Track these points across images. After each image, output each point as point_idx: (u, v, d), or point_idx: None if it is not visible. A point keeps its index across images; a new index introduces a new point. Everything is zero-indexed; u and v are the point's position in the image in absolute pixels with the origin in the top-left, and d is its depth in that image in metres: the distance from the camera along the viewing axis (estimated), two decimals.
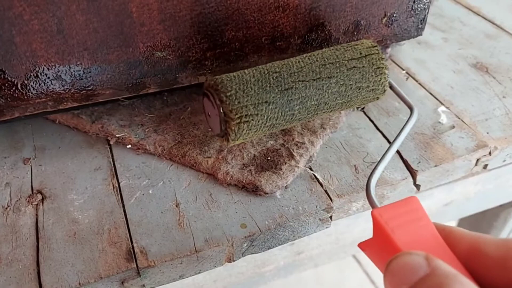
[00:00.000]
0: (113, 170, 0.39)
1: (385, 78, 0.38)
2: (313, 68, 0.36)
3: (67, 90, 0.36)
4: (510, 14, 0.60)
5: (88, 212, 0.36)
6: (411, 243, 0.25)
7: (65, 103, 0.37)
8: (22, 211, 0.36)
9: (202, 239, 0.34)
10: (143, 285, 0.34)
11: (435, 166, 0.39)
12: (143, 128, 0.42)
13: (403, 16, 0.43)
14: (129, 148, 0.41)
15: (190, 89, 0.45)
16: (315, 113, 0.37)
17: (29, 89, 0.35)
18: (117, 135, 0.41)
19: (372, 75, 0.38)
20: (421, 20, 0.44)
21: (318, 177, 0.38)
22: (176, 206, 0.37)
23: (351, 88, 0.37)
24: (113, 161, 0.40)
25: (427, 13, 0.44)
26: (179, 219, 0.36)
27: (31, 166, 0.40)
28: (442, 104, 0.46)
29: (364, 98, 0.39)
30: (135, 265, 0.32)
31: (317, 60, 0.36)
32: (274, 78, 0.35)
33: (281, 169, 0.38)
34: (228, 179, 0.38)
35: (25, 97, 0.35)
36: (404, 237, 0.25)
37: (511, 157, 0.43)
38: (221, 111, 0.34)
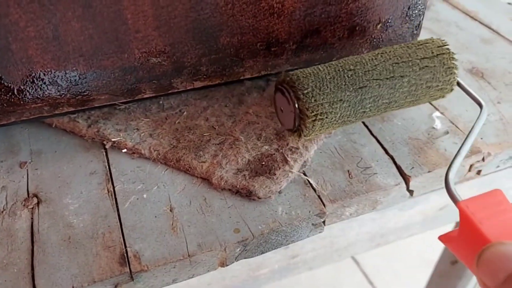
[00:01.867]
0: (109, 175, 0.40)
1: (454, 77, 0.39)
2: (387, 67, 0.37)
3: (63, 95, 0.37)
4: (507, 18, 0.60)
5: (83, 217, 0.36)
6: (500, 234, 0.25)
7: (61, 108, 0.37)
8: (18, 214, 0.37)
9: (195, 244, 0.34)
10: None
11: (428, 171, 0.40)
12: (139, 132, 0.42)
13: (397, 22, 0.43)
14: (125, 152, 0.41)
15: (186, 94, 0.46)
16: (385, 110, 0.39)
17: (25, 94, 0.36)
18: (113, 139, 0.41)
19: (442, 74, 0.38)
20: (416, 26, 0.44)
21: (311, 182, 0.39)
22: (170, 210, 0.37)
23: (421, 87, 0.38)
24: (109, 166, 0.41)
25: (422, 19, 0.44)
26: (172, 224, 0.36)
27: (27, 170, 0.41)
28: (436, 109, 0.46)
29: (431, 96, 0.40)
30: (128, 270, 0.33)
31: (390, 58, 0.37)
32: (349, 76, 0.36)
33: (275, 174, 0.38)
34: (223, 183, 0.38)
35: (21, 102, 0.36)
36: (493, 228, 0.25)
37: (505, 163, 0.44)
38: (297, 108, 0.35)
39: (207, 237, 0.35)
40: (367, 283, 1.33)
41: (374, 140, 0.43)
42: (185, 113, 0.44)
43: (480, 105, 0.40)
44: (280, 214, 0.37)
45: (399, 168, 0.40)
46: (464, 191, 0.50)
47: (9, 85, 0.35)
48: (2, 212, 0.37)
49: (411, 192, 0.40)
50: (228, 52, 0.40)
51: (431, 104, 0.47)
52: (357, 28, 0.42)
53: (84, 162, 0.41)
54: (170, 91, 0.40)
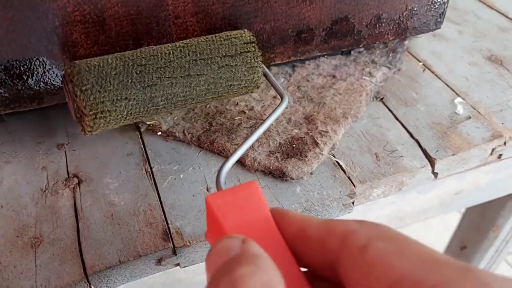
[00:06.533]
0: (145, 156, 0.41)
1: (258, 76, 0.37)
2: (182, 64, 0.34)
3: None
4: None
5: (123, 195, 0.38)
6: (239, 228, 0.25)
7: None
8: (60, 193, 0.38)
9: None
10: (178, 264, 0.36)
11: (453, 154, 0.41)
12: (172, 116, 0.43)
13: (423, 9, 0.45)
14: (159, 135, 0.43)
15: None
16: (182, 106, 0.37)
17: None
18: (148, 122, 0.43)
19: (244, 74, 0.37)
20: (440, 14, 0.46)
21: (341, 164, 0.40)
22: (207, 190, 0.38)
23: (221, 85, 0.36)
24: (144, 147, 0.42)
25: (446, 7, 0.45)
26: None
27: (65, 151, 0.42)
28: (458, 95, 0.47)
29: (235, 92, 0.38)
30: (171, 245, 0.34)
31: (188, 54, 0.35)
32: (138, 72, 0.33)
33: (306, 156, 0.40)
34: (256, 165, 0.40)
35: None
36: (234, 222, 0.25)
37: None
38: (76, 104, 0.32)
39: None
40: None
41: (399, 124, 0.44)
42: None
43: (282, 97, 0.37)
44: (312, 194, 0.38)
45: (424, 151, 0.42)
46: (480, 176, 0.51)
47: (54, 68, 0.36)
48: (45, 191, 0.38)
49: (435, 174, 0.42)
50: (261, 38, 0.41)
51: (452, 90, 0.48)
52: (384, 16, 0.44)
53: (120, 144, 0.42)
54: None
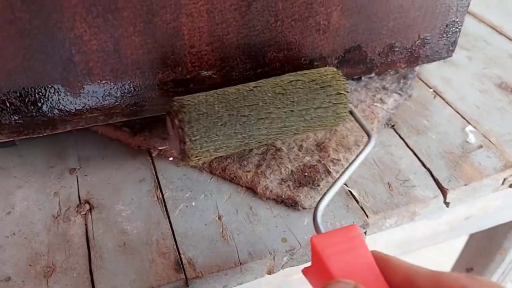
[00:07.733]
0: (157, 182, 0.41)
1: (342, 123, 0.40)
2: (279, 115, 0.36)
3: (118, 106, 0.38)
4: None
5: (136, 223, 0.38)
6: (345, 271, 0.25)
7: (115, 118, 0.39)
8: (72, 220, 0.38)
9: (245, 252, 0.36)
10: None
11: (465, 184, 0.41)
12: None
13: (435, 38, 0.45)
14: (170, 160, 0.43)
15: None
16: (270, 143, 0.40)
17: (84, 104, 0.37)
18: (159, 148, 0.43)
19: (332, 122, 0.39)
20: (452, 43, 0.46)
21: (354, 193, 0.40)
22: (219, 218, 0.38)
23: (309, 129, 0.39)
24: (156, 173, 0.42)
25: (458, 36, 0.46)
26: (222, 232, 0.37)
27: (76, 176, 0.42)
28: (469, 123, 0.47)
29: (315, 132, 0.41)
30: (184, 276, 0.34)
31: (287, 105, 0.37)
32: (241, 123, 0.35)
33: (319, 185, 0.40)
34: (268, 193, 0.39)
35: (79, 112, 0.37)
36: (339, 265, 0.26)
37: None
38: (183, 149, 0.35)
39: (256, 245, 0.36)
40: None
41: (410, 153, 0.44)
42: None
43: (369, 136, 0.38)
44: (325, 225, 0.38)
45: (436, 181, 0.41)
46: (490, 201, 0.51)
47: (69, 96, 0.36)
48: (57, 217, 0.38)
49: (447, 204, 0.42)
50: (274, 66, 0.41)
51: (463, 117, 0.48)
52: (396, 44, 0.44)
53: (132, 169, 0.42)
54: None
